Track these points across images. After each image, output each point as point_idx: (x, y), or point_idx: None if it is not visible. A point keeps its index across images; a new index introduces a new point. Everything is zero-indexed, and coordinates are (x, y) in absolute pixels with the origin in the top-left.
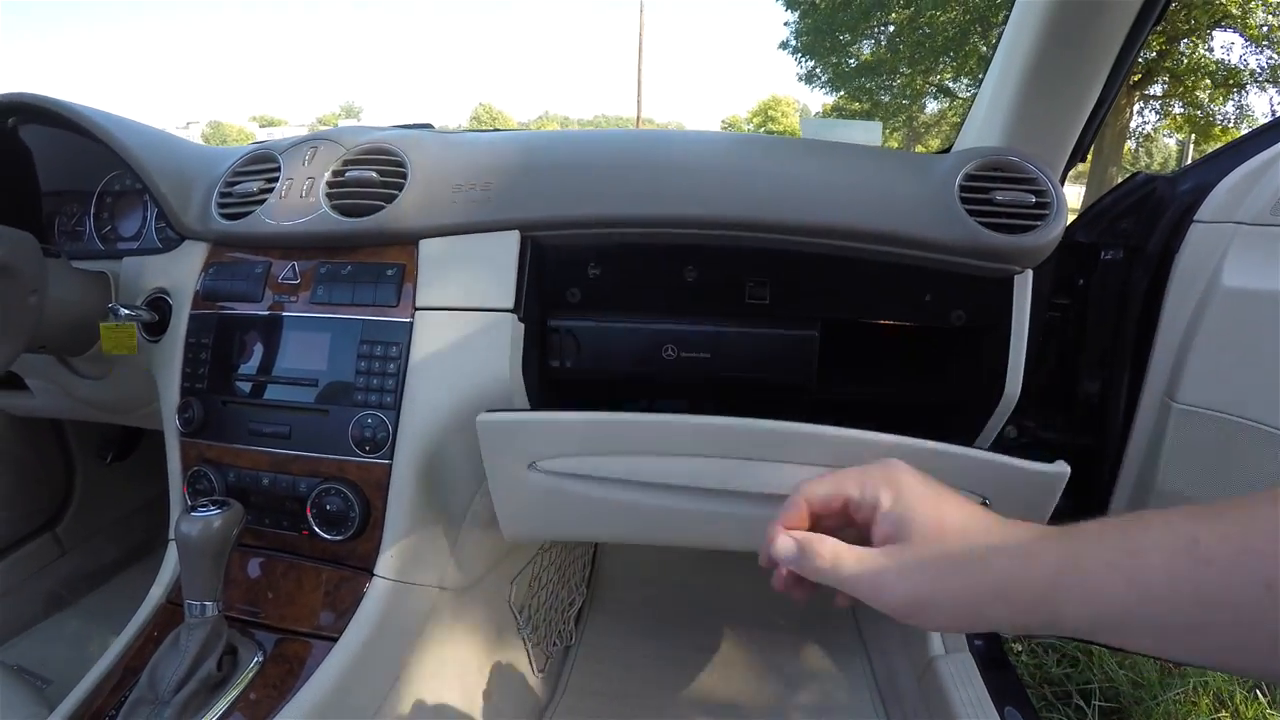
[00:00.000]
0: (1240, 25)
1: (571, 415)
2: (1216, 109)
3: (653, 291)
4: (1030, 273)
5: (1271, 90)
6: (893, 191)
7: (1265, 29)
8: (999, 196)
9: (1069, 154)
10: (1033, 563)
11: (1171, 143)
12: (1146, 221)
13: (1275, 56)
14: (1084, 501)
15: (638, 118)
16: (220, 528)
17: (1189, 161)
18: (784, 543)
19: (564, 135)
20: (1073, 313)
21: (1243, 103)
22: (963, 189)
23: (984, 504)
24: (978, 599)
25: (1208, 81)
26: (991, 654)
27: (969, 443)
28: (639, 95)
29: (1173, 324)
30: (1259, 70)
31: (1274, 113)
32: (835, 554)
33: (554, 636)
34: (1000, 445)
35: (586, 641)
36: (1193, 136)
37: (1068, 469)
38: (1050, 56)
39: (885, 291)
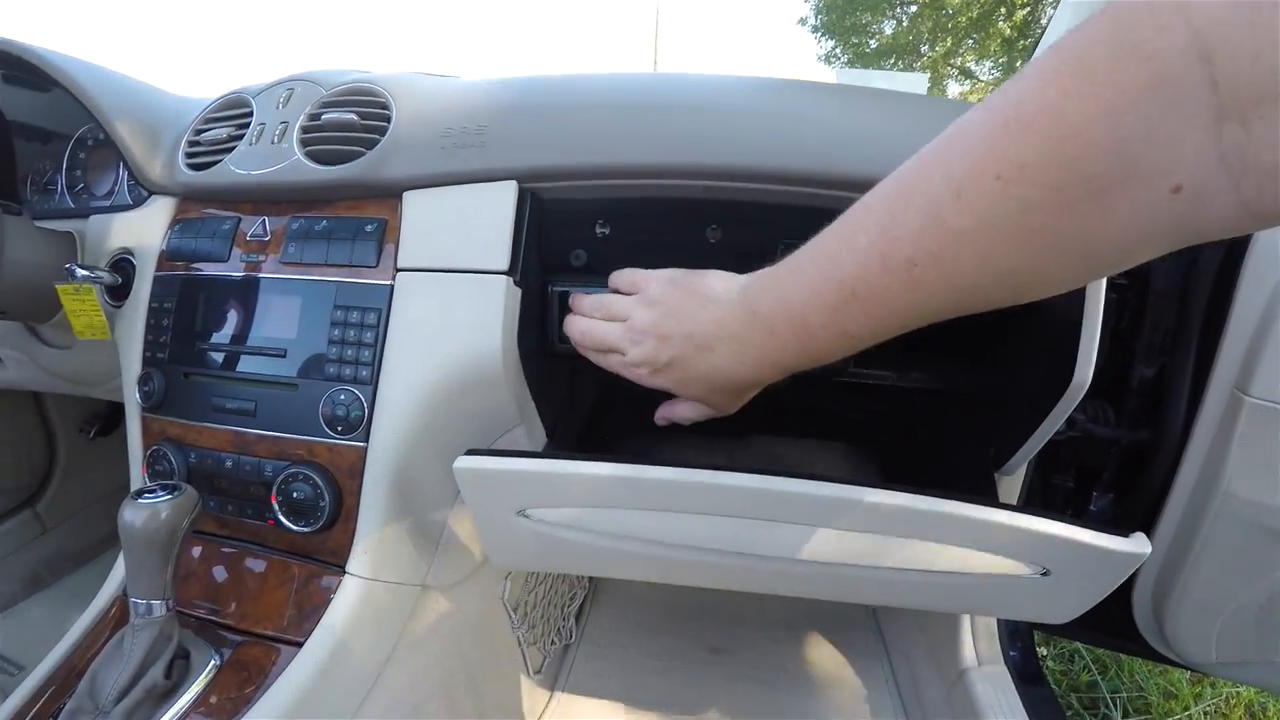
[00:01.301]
0: None
1: (565, 465)
2: None
3: (669, 255)
4: None
5: None
6: None
7: None
8: None
9: None
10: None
11: None
12: None
13: None
14: (1136, 503)
15: None
16: (168, 517)
17: None
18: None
19: (571, 77)
20: (1132, 293)
21: None
22: None
23: (1043, 575)
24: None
25: None
26: (1029, 668)
27: (1025, 436)
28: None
29: (1248, 306)
30: None
31: None
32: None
33: (552, 634)
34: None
35: (588, 639)
36: None
37: (1148, 546)
38: None
39: None
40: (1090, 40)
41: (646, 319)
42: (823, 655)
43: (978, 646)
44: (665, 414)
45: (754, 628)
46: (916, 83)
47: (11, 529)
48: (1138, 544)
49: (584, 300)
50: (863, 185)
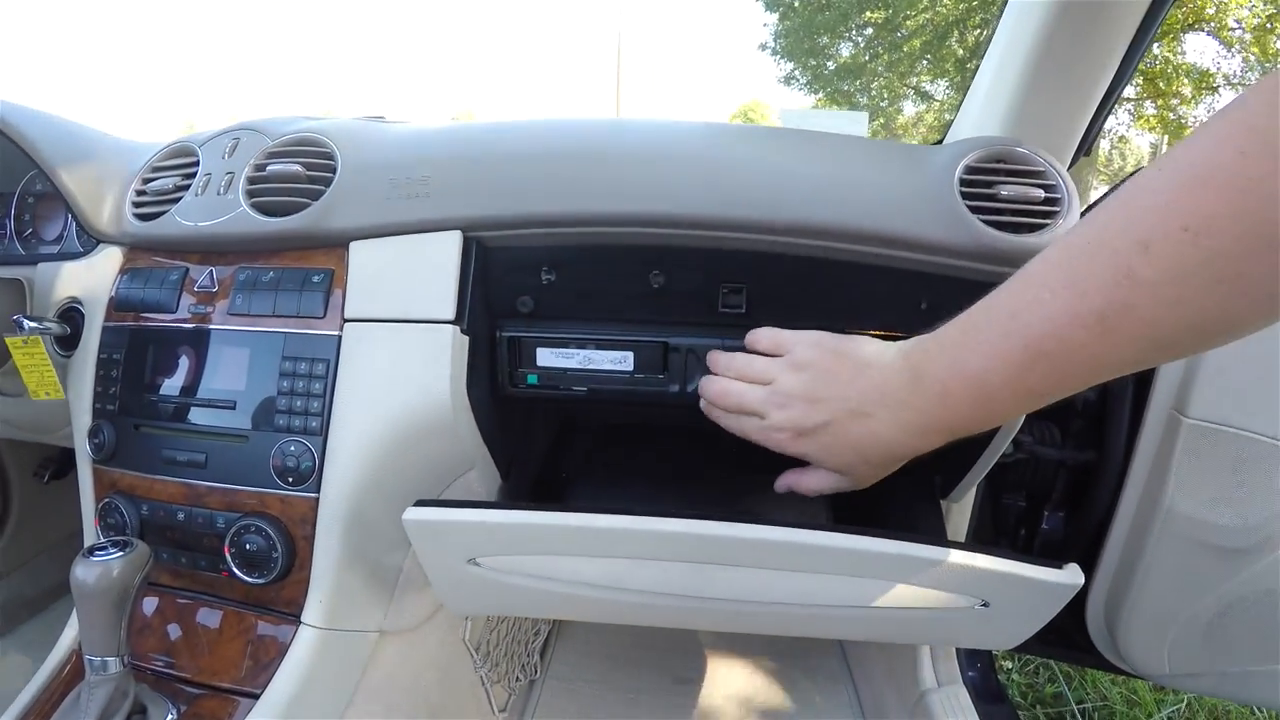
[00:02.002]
0: (1216, 28)
1: (511, 515)
2: (1188, 111)
3: (615, 299)
4: None
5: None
6: (885, 186)
7: (1237, 32)
8: (1004, 191)
9: (1075, 148)
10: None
11: (1144, 143)
12: None
13: (1246, 61)
14: (1083, 522)
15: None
16: (121, 574)
17: None
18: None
19: (515, 124)
20: None
21: (1213, 104)
22: (963, 183)
23: (983, 606)
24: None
25: (1184, 81)
26: (987, 686)
27: (968, 466)
28: (618, 98)
29: None
30: (1232, 75)
31: None
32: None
33: (516, 671)
34: (995, 471)
35: (553, 674)
36: (1165, 137)
37: (1080, 577)
38: (1059, 41)
39: (875, 298)
40: (1255, 105)
41: (794, 383)
42: (787, 681)
43: (937, 668)
44: (793, 483)
45: (719, 656)
46: (858, 121)
47: None
48: (1071, 575)
49: (721, 359)
50: (798, 230)
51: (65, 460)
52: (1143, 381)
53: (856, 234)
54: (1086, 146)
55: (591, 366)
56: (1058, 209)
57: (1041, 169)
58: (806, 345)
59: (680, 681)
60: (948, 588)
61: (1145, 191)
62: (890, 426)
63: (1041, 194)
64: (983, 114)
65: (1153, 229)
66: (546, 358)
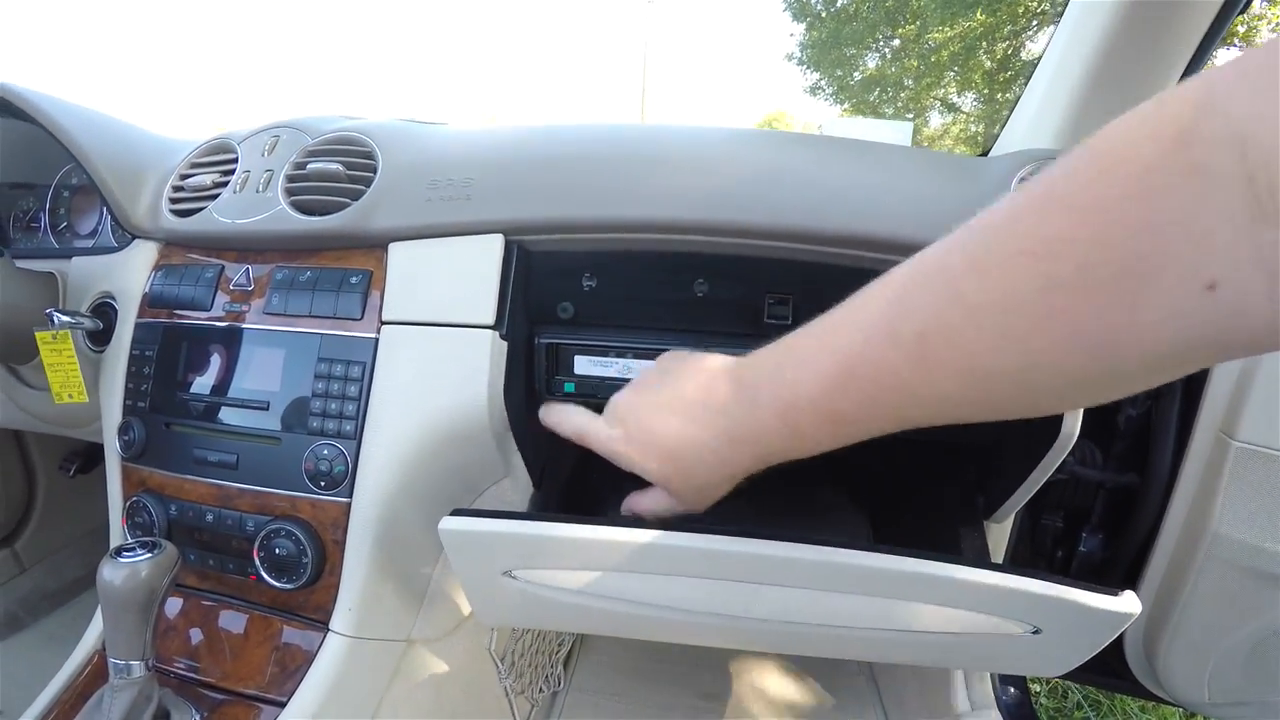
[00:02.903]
0: (1243, 47)
1: (549, 528)
2: None
3: (656, 307)
4: None
5: None
6: (939, 197)
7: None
8: None
9: None
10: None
11: None
12: None
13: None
14: (1124, 544)
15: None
16: (148, 576)
17: None
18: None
19: (558, 128)
20: None
21: None
22: None
23: (1034, 633)
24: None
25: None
26: (1021, 711)
27: (1015, 487)
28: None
29: None
30: None
31: None
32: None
33: (540, 682)
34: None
35: (577, 686)
36: None
37: (1137, 606)
38: (1121, 51)
39: None
40: (1129, 124)
41: (631, 391)
42: (816, 702)
43: (970, 692)
44: (632, 505)
45: (745, 672)
46: (903, 131)
47: None
48: (1127, 603)
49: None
50: (846, 241)
51: (92, 454)
52: (1189, 403)
53: (908, 246)
54: None
55: (630, 376)
56: None
57: None
58: (664, 358)
59: (705, 697)
60: (998, 612)
61: (993, 210)
62: (704, 429)
63: None
64: (1034, 125)
65: (989, 248)
66: (585, 366)
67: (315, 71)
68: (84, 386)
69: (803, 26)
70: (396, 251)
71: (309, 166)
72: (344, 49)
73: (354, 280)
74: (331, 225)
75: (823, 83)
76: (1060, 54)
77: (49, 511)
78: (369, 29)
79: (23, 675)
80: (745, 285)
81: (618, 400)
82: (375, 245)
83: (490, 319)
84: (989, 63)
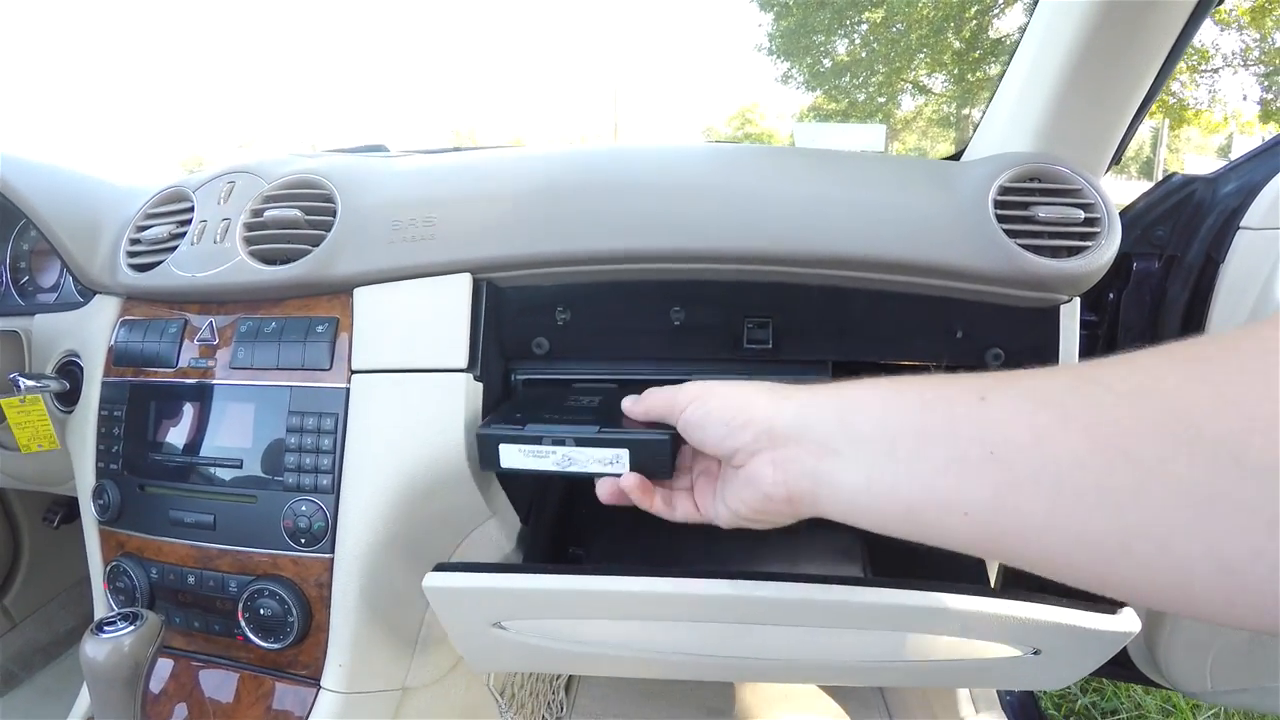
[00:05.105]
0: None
1: (534, 580)
2: (1188, 93)
3: (634, 337)
4: (1079, 300)
5: (1243, 72)
6: (914, 210)
7: (1234, 14)
8: (1041, 213)
9: (1108, 161)
10: None
11: (1143, 129)
12: (1185, 228)
13: (1244, 39)
14: None
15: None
16: (131, 650)
17: (1163, 147)
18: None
19: (519, 156)
20: (1101, 331)
21: (1213, 85)
22: (998, 204)
23: (1034, 654)
24: None
25: (1182, 66)
26: (1026, 712)
27: None
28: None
29: None
30: (1230, 54)
31: (1245, 95)
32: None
33: (542, 710)
34: None
35: (580, 710)
36: (1165, 121)
37: (1136, 623)
38: (1098, 47)
39: (908, 327)
40: None
41: None
42: (821, 710)
43: (975, 697)
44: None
45: (751, 686)
46: (876, 134)
47: None
48: (1126, 621)
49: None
50: (823, 262)
51: (74, 504)
52: None
53: (887, 263)
54: (1118, 158)
55: (572, 469)
56: (1097, 230)
57: (1078, 187)
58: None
59: (711, 713)
60: (998, 638)
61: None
62: (755, 391)
63: (1080, 215)
64: (1012, 123)
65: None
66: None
67: (287, 91)
68: (53, 434)
69: (770, 16)
70: (362, 297)
71: (266, 214)
72: (318, 67)
73: (320, 329)
74: (293, 274)
75: (793, 71)
76: (1034, 52)
77: (36, 564)
78: (338, 45)
79: None
80: (723, 310)
81: None
82: (340, 291)
83: (463, 362)
84: (958, 42)
